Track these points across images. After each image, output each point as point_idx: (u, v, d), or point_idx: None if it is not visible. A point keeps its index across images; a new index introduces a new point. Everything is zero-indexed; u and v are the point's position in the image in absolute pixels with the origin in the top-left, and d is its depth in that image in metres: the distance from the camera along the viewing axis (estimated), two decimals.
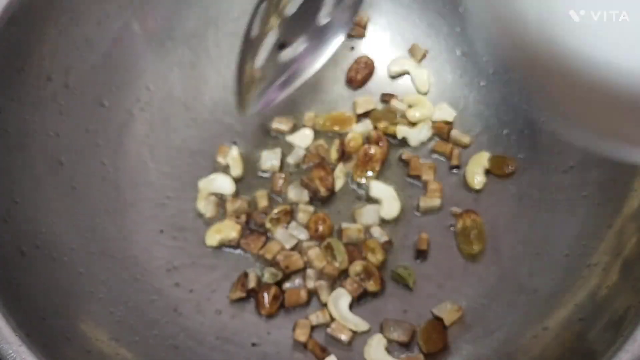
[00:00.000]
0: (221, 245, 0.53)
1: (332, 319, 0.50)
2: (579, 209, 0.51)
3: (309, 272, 0.51)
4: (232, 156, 0.56)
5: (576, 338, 0.45)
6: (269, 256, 0.51)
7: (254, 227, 0.54)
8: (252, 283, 0.50)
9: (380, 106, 0.59)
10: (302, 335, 0.49)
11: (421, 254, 0.53)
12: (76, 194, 0.52)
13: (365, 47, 0.62)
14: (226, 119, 0.59)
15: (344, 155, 0.56)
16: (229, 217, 0.54)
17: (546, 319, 0.48)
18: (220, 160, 0.57)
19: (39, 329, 0.42)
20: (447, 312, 0.50)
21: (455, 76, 0.61)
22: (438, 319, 0.50)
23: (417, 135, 0.57)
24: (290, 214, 0.54)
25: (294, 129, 0.58)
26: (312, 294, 0.51)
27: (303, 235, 0.53)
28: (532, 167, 0.56)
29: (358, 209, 0.54)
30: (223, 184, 0.55)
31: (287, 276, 0.51)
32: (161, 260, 0.53)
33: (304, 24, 0.47)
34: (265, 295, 0.50)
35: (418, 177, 0.55)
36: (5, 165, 0.48)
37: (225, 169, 0.57)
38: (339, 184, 0.55)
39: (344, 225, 0.53)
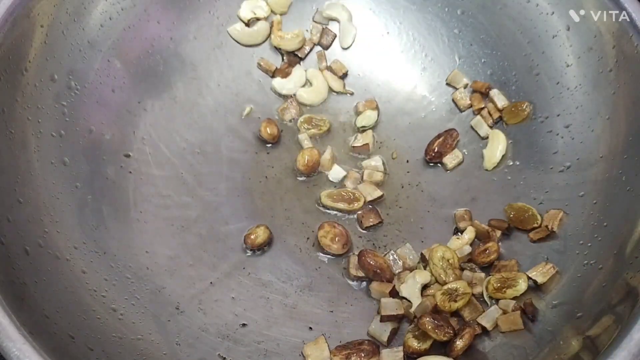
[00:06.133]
0: None
1: None
2: (576, 209, 0.52)
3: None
4: None
5: (574, 335, 0.45)
6: None
7: None
8: None
9: None
10: None
11: None
12: (79, 193, 0.52)
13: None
14: (228, 120, 0.60)
15: None
16: None
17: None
18: None
19: (42, 327, 0.42)
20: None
21: None
22: None
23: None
24: None
25: None
26: None
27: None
28: (529, 167, 0.56)
29: None
30: None
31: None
32: (163, 259, 0.53)
33: None
34: None
35: None
36: (9, 165, 0.48)
37: None
38: None
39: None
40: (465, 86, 0.60)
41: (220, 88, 0.61)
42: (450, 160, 0.58)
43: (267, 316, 0.51)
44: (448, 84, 0.61)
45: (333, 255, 0.54)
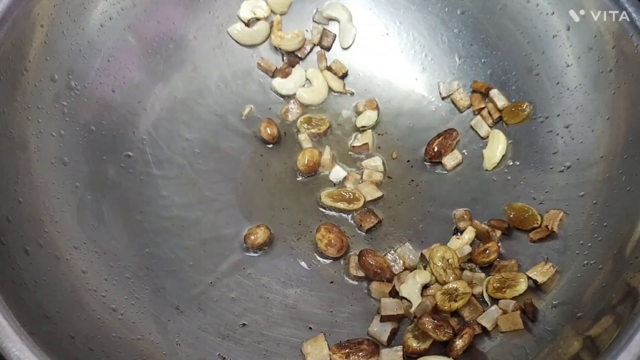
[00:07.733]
0: None
1: None
2: (576, 209, 0.52)
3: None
4: None
5: (574, 335, 0.45)
6: None
7: None
8: None
9: None
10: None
11: None
12: (79, 193, 0.52)
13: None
14: (228, 120, 0.60)
15: None
16: None
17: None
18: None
19: (42, 327, 0.43)
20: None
21: (452, 78, 0.61)
22: None
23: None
24: None
25: None
26: None
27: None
28: (528, 167, 0.56)
29: None
30: None
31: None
32: (163, 259, 0.53)
33: None
34: None
35: None
36: (9, 164, 0.48)
37: None
38: None
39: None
40: (458, 84, 0.60)
41: (220, 88, 0.61)
42: (450, 160, 0.58)
43: (267, 316, 0.51)
44: (444, 97, 0.61)
45: (329, 258, 0.54)
